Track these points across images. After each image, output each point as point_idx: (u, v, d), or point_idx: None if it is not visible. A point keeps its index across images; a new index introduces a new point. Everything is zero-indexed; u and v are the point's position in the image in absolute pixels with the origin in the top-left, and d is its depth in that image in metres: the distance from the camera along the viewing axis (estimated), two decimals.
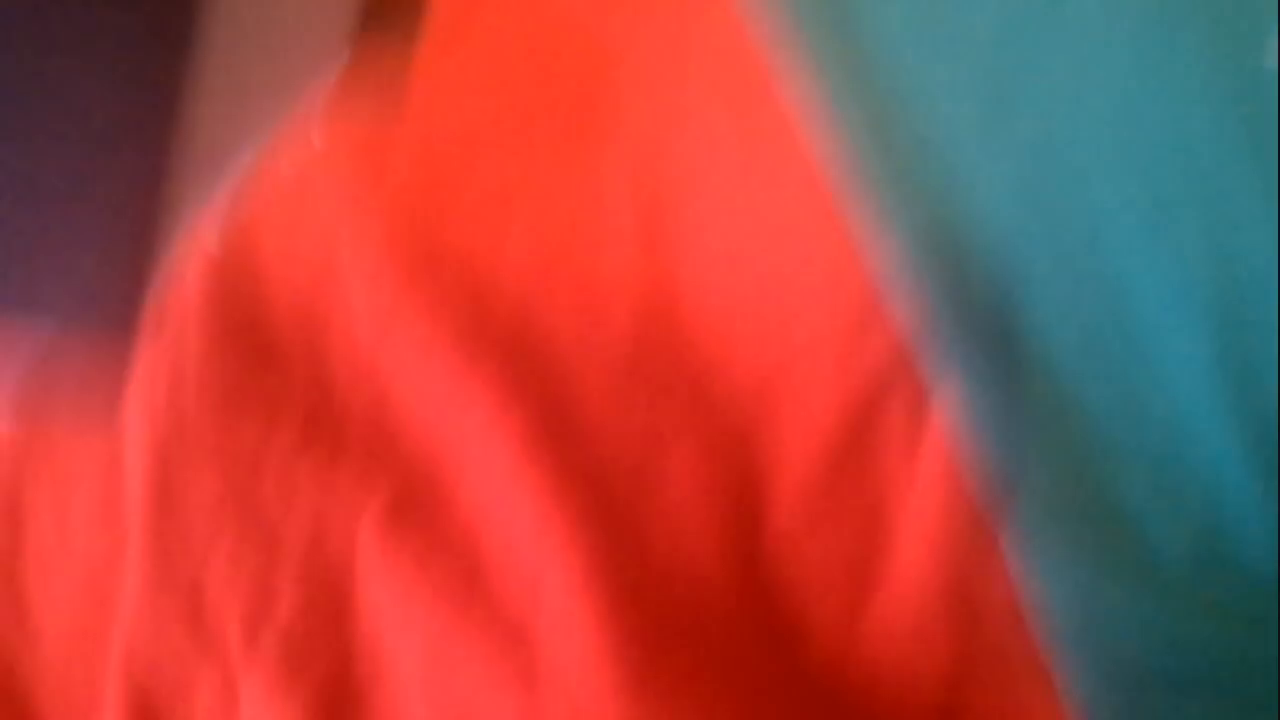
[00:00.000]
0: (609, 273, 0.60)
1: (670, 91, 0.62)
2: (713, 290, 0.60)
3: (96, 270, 0.29)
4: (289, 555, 0.62)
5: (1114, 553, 0.58)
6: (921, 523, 0.58)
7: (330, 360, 0.62)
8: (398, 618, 0.58)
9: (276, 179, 0.59)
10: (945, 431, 0.58)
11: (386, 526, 0.59)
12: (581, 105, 0.62)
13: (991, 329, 0.59)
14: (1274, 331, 0.57)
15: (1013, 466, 0.58)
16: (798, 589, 0.58)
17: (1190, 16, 0.58)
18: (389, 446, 0.60)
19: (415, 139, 0.61)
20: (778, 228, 0.60)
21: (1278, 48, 0.57)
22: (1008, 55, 0.59)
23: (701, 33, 0.62)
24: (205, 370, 0.63)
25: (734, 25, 0.62)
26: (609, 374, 0.59)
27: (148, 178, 0.28)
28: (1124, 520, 0.58)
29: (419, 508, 0.59)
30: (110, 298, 0.30)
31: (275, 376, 0.63)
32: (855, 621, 0.57)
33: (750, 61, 0.61)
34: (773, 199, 0.61)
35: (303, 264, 0.63)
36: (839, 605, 0.57)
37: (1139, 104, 0.58)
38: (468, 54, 0.62)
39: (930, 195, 0.59)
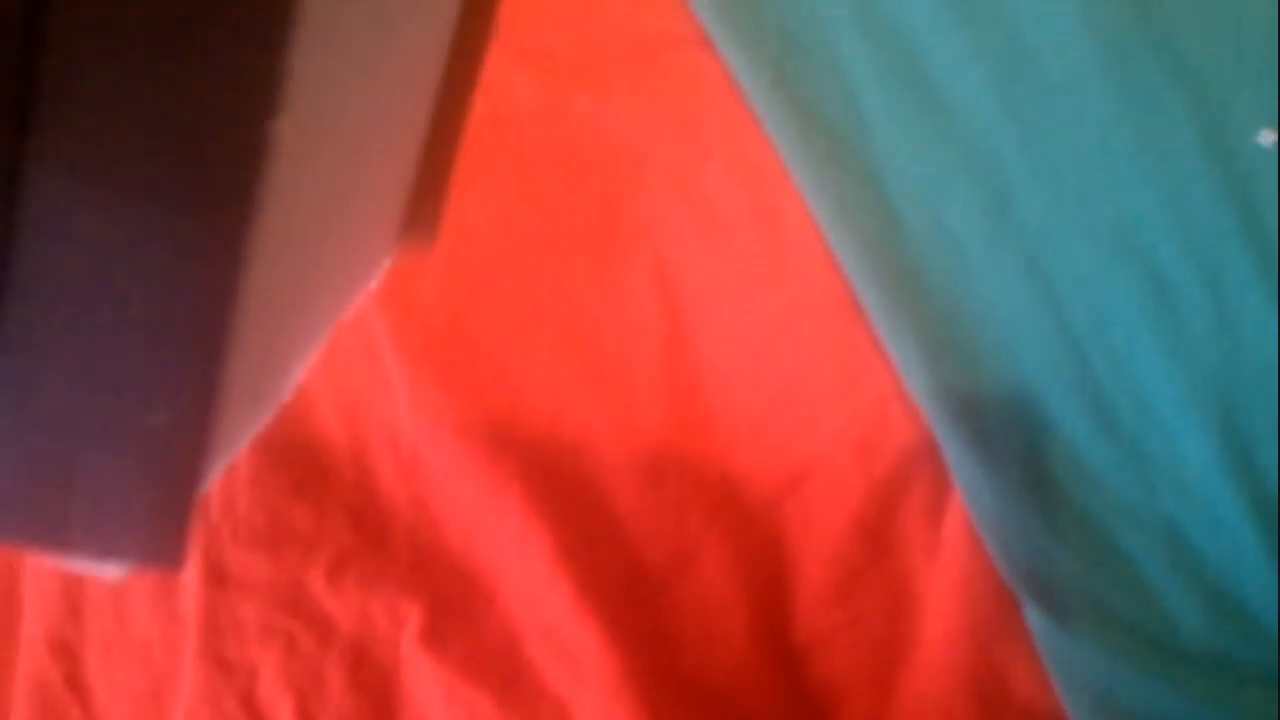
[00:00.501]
0: (636, 379, 0.63)
1: (691, 198, 0.64)
2: (737, 393, 0.62)
3: (139, 505, 0.29)
4: (339, 645, 0.64)
5: (1135, 625, 0.59)
6: (946, 610, 0.59)
7: (374, 468, 0.64)
8: (444, 715, 0.61)
9: None
10: (966, 519, 0.60)
11: (430, 631, 0.61)
12: (605, 215, 0.64)
13: (1006, 416, 0.61)
14: (1274, 406, 0.59)
15: (1034, 550, 0.59)
16: (827, 682, 0.60)
17: (1186, 104, 0.59)
18: (430, 551, 0.63)
19: (445, 258, 0.63)
20: (797, 329, 0.62)
21: (1276, 134, 0.58)
22: (1009, 150, 0.61)
23: (718, 143, 0.64)
24: (258, 469, 0.66)
25: (749, 133, 0.64)
26: (637, 480, 0.61)
27: (195, 408, 0.28)
28: (1143, 592, 0.59)
29: (459, 613, 0.62)
30: (153, 533, 0.29)
31: (324, 479, 0.65)
32: (884, 711, 0.59)
33: (766, 167, 0.63)
34: (791, 300, 0.63)
35: (344, 381, 0.65)
36: (868, 696, 0.59)
37: (1138, 190, 0.60)
38: (494, 173, 0.64)
39: (940, 289, 0.61)
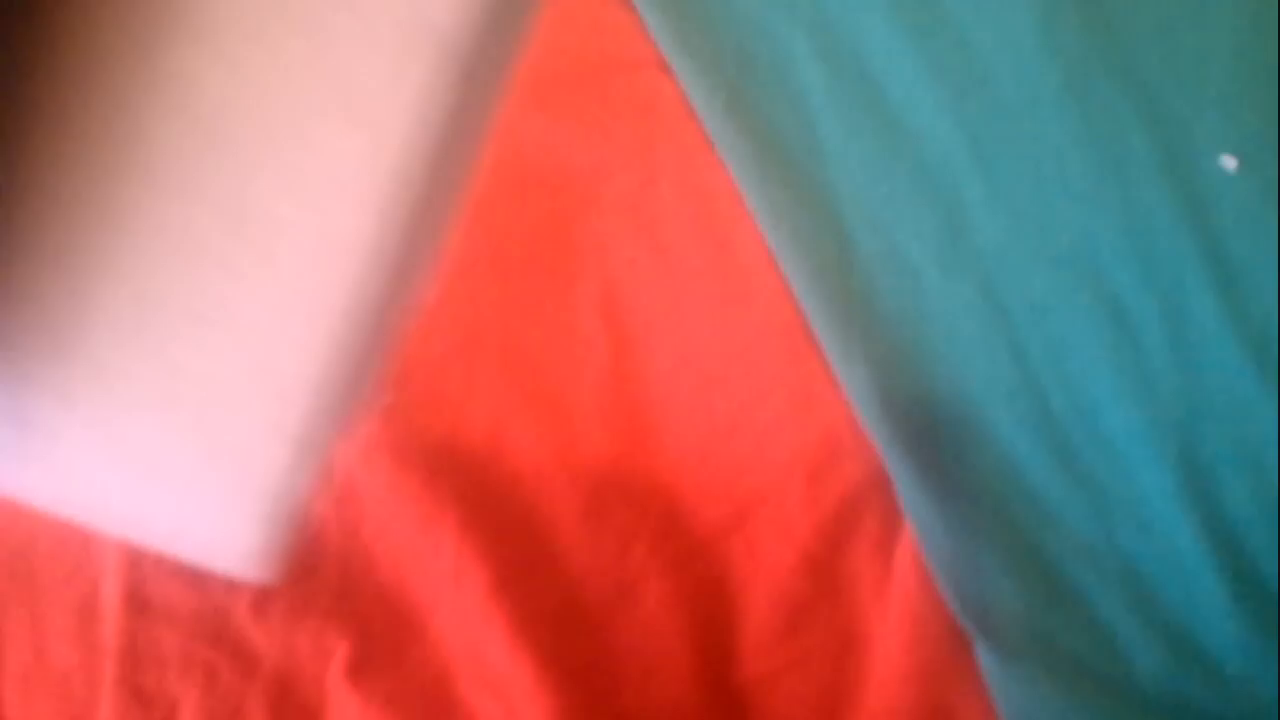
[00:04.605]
0: (580, 406, 0.61)
1: (641, 222, 0.63)
2: (684, 421, 0.60)
3: None
4: (262, 678, 0.62)
5: (1089, 666, 0.58)
6: (894, 649, 0.58)
7: None
8: None
9: None
10: (916, 554, 0.58)
11: (357, 665, 0.59)
12: (554, 238, 0.63)
13: (959, 448, 0.59)
14: (1235, 439, 0.57)
15: (986, 586, 0.58)
16: None
17: (1146, 128, 0.59)
18: (360, 581, 0.60)
19: None
20: (747, 356, 0.61)
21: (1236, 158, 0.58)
22: (966, 175, 0.60)
23: (671, 166, 0.63)
24: None
25: (702, 157, 0.62)
26: (579, 510, 0.59)
27: None
28: (1098, 631, 0.58)
29: (388, 647, 0.59)
30: None
31: None
32: None
33: (719, 191, 0.62)
34: (741, 327, 0.61)
35: None
36: None
37: (1096, 216, 0.59)
38: None
39: (893, 316, 0.60)
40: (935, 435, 0.58)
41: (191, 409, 0.27)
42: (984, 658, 0.57)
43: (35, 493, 0.28)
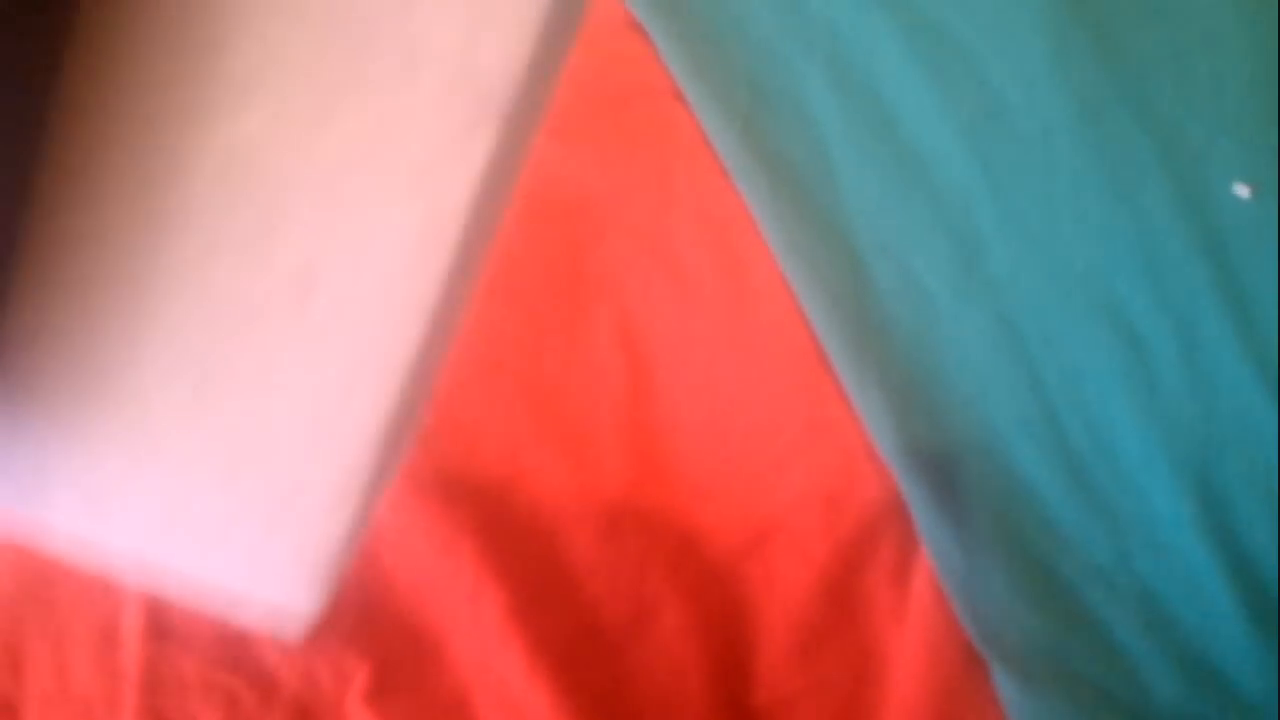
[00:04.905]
0: (596, 432, 0.61)
1: (657, 250, 0.63)
2: (700, 447, 0.61)
3: None
4: (282, 704, 0.62)
5: (1106, 691, 0.58)
6: (911, 674, 0.58)
7: None
8: None
9: None
10: (932, 579, 0.59)
11: (376, 690, 0.59)
12: (569, 265, 0.63)
13: (974, 473, 0.59)
14: (1250, 463, 0.58)
15: (1002, 611, 0.58)
16: None
17: (1159, 156, 0.59)
18: (378, 607, 0.61)
19: None
20: (762, 383, 0.61)
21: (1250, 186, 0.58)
22: (980, 203, 0.60)
23: (686, 193, 0.63)
24: None
25: (717, 184, 0.63)
26: (596, 536, 0.60)
27: None
28: (1115, 656, 0.58)
29: (407, 672, 0.60)
30: None
31: None
32: None
33: (734, 219, 0.63)
34: (757, 354, 0.61)
35: None
36: None
37: (1110, 244, 0.59)
38: None
39: (908, 343, 0.60)
40: (951, 461, 0.59)
41: (247, 471, 0.28)
42: (1001, 682, 0.57)
43: (81, 544, 0.29)
